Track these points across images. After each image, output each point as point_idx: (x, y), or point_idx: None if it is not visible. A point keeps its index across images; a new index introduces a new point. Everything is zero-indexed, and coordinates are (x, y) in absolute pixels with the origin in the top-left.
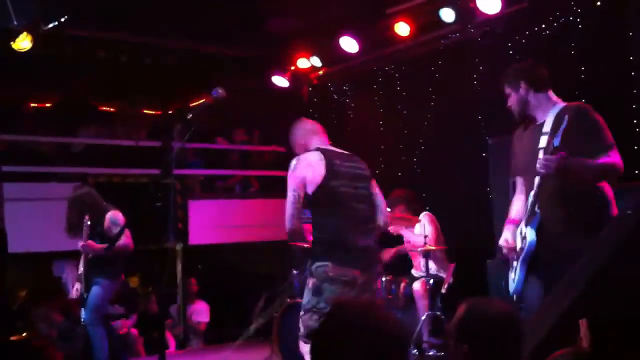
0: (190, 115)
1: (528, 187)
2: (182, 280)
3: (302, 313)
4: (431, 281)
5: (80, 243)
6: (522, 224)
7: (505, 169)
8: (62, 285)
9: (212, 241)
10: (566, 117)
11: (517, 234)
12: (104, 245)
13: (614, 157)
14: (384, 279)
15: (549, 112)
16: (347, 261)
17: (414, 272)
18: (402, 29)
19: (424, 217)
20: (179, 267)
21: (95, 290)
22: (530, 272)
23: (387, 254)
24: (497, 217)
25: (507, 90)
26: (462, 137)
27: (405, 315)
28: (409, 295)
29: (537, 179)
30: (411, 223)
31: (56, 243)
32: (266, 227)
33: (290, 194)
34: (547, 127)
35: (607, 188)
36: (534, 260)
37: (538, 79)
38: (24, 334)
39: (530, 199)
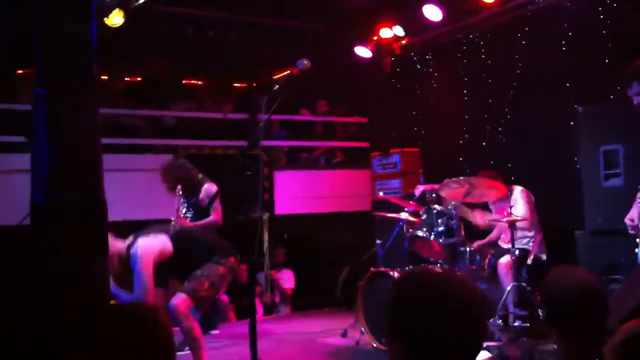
0: (277, 86)
1: None
2: (269, 249)
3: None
4: (517, 252)
5: (173, 221)
6: None
7: (595, 138)
8: None
9: (297, 211)
10: None
11: None
12: (194, 224)
13: None
14: (468, 249)
15: None
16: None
17: (500, 243)
18: None
19: (520, 193)
20: (266, 236)
21: None
22: None
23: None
24: (586, 188)
25: (639, 88)
26: (549, 106)
27: (490, 286)
28: (494, 266)
29: None
30: (501, 192)
31: (150, 211)
32: (350, 197)
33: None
34: None
35: None
36: None
37: None
38: None
39: None
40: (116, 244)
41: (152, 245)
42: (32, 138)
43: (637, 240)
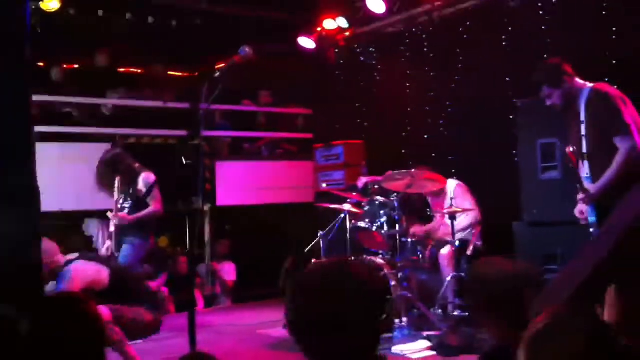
0: (218, 74)
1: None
2: (211, 241)
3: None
4: (457, 243)
5: (110, 214)
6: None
7: (533, 131)
8: (93, 243)
9: (239, 202)
10: (583, 104)
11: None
12: (134, 217)
13: (625, 145)
14: (410, 240)
15: (581, 98)
16: None
17: (440, 236)
18: None
19: (456, 187)
20: (207, 227)
21: (126, 249)
22: None
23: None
24: (524, 179)
25: (548, 91)
26: (489, 99)
27: (431, 276)
28: (435, 257)
29: (586, 165)
30: (438, 184)
31: (88, 202)
32: (292, 189)
33: None
34: (582, 116)
35: None
36: None
37: (570, 71)
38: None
39: (584, 181)
40: (58, 254)
41: (86, 271)
42: None
43: (591, 230)
